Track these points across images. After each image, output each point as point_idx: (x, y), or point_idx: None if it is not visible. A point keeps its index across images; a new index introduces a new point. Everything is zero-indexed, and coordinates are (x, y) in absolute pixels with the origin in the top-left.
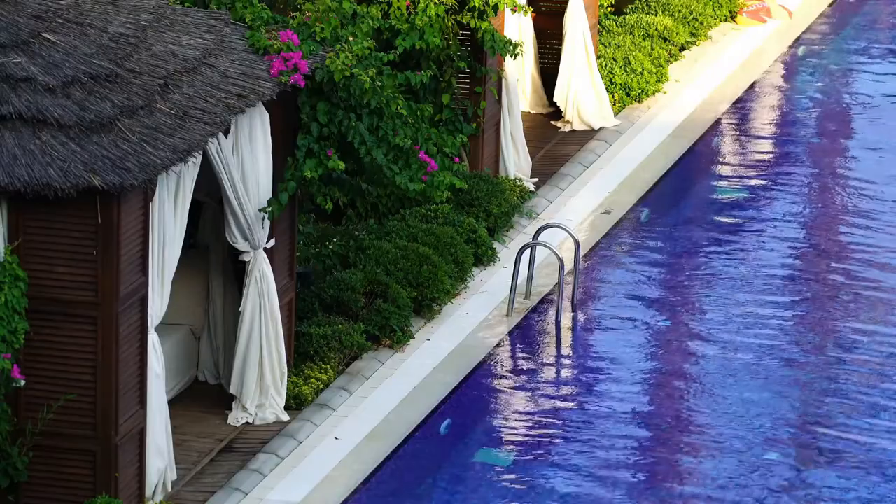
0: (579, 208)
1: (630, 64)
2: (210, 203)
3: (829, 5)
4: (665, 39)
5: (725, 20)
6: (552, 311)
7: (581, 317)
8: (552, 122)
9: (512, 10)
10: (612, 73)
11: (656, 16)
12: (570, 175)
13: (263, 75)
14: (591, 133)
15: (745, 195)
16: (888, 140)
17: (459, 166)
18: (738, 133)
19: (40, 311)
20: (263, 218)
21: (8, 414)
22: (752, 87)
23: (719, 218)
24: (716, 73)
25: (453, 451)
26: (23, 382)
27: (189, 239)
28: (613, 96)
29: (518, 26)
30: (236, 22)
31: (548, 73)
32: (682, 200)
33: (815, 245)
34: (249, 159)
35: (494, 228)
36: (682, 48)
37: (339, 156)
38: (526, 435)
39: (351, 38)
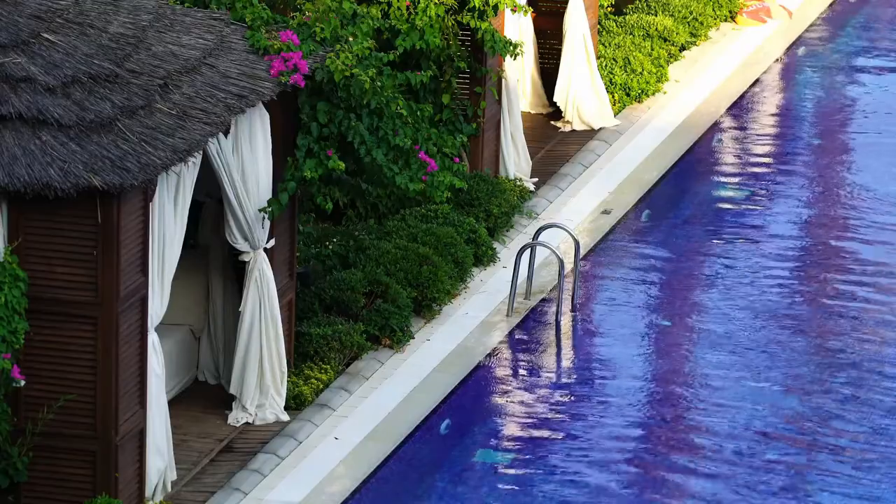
0: (579, 208)
1: (630, 64)
2: (210, 203)
3: (829, 5)
4: (665, 39)
5: (725, 20)
6: (552, 312)
7: (581, 317)
8: (552, 122)
9: (512, 10)
10: (612, 73)
11: (656, 16)
12: (570, 175)
13: (263, 75)
14: (591, 133)
15: (745, 195)
16: (888, 140)
17: (459, 166)
18: (737, 133)
19: (40, 311)
20: (263, 218)
21: (8, 414)
22: (751, 87)
23: (719, 218)
24: (716, 73)
25: (453, 451)
26: (23, 382)
27: (189, 239)
28: (613, 96)
29: (518, 26)
30: (236, 22)
31: (548, 73)
32: (681, 201)
33: (815, 245)
34: (249, 159)
35: (494, 228)
36: (682, 48)
37: (339, 156)
38: (526, 435)
39: (351, 38)
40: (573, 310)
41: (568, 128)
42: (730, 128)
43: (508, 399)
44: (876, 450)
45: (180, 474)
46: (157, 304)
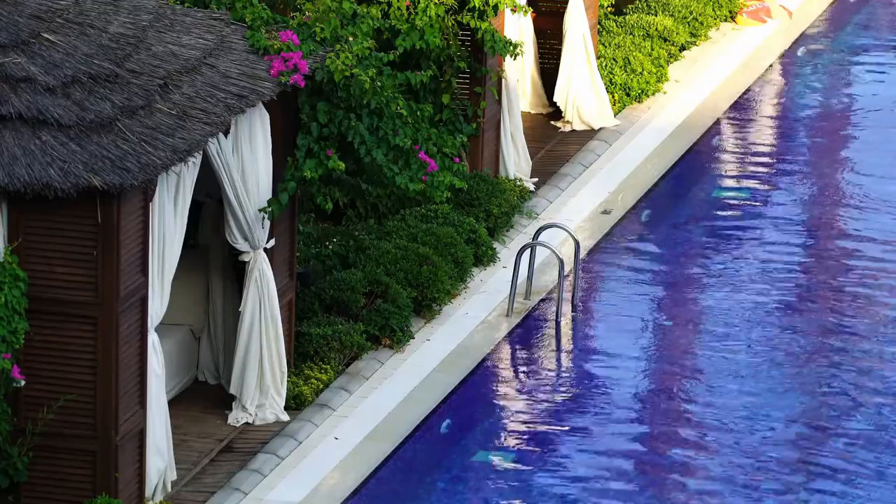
0: (579, 208)
1: (630, 64)
2: (210, 203)
3: (830, 5)
4: (665, 39)
5: (725, 20)
6: (552, 312)
7: (581, 317)
8: (552, 122)
9: (512, 10)
10: (612, 73)
11: (656, 16)
12: (570, 175)
13: (263, 75)
14: (591, 133)
15: (745, 195)
16: (888, 140)
17: (459, 166)
18: (737, 133)
19: (40, 311)
20: (263, 218)
21: (8, 414)
22: (751, 87)
23: (719, 218)
24: (716, 73)
25: (453, 451)
26: (23, 382)
27: (189, 239)
28: (613, 96)
29: (518, 26)
30: (236, 22)
31: (548, 73)
32: (681, 200)
33: (815, 244)
34: (249, 159)
35: (494, 228)
36: (682, 48)
37: (339, 156)
38: (526, 435)
39: (351, 38)
40: (573, 310)
41: (568, 128)
42: (729, 128)
43: (508, 399)
44: (877, 449)
45: (180, 474)
46: (157, 304)
